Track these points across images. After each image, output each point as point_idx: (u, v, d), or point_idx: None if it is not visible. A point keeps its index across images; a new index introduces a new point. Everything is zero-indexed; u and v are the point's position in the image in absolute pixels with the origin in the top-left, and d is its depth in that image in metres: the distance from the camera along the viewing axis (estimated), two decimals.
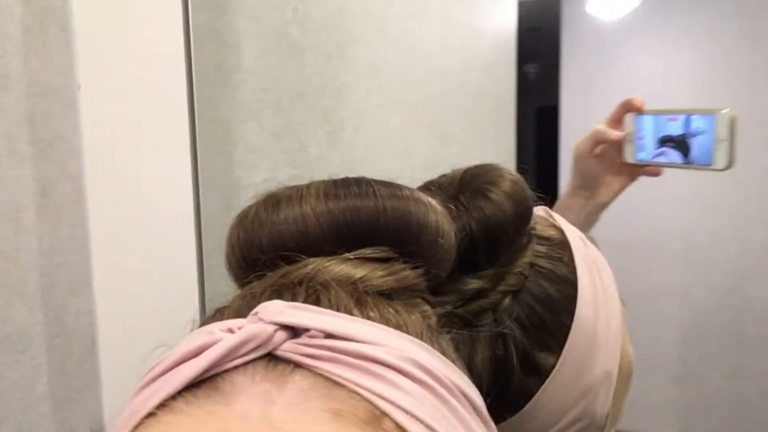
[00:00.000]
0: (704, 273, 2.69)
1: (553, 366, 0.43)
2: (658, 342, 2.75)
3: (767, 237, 2.56)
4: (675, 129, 0.70)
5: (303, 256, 0.30)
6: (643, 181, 0.79)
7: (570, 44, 2.75)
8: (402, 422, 0.23)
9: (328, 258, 0.30)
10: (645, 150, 0.73)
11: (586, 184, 0.77)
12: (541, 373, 0.43)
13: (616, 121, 0.76)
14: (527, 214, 0.44)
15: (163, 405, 0.23)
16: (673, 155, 0.71)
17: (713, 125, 0.66)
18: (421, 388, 0.25)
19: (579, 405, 0.44)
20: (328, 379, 0.23)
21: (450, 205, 0.41)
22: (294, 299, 0.27)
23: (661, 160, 0.72)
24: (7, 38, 0.70)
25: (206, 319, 0.30)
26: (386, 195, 0.31)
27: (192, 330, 0.29)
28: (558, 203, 0.80)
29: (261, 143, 0.92)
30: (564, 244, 0.46)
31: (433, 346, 0.28)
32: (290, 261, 0.30)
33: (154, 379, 0.25)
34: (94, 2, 0.75)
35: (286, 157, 0.96)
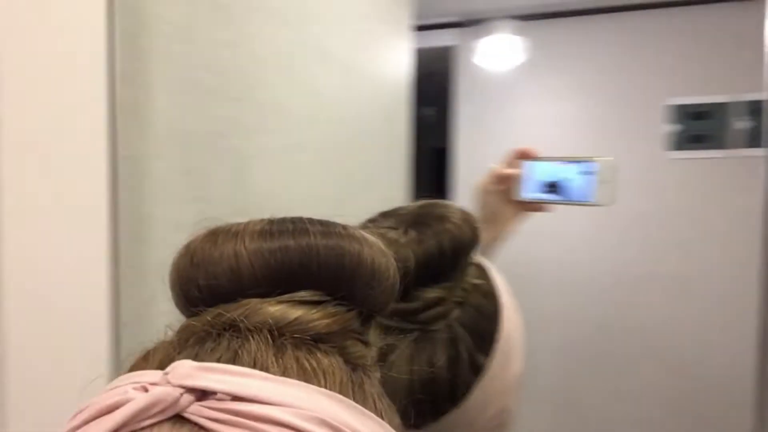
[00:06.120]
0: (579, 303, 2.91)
1: (486, 366, 0.53)
2: (541, 368, 2.93)
3: (636, 272, 2.81)
4: (561, 172, 0.81)
5: (237, 297, 0.30)
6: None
7: (463, 90, 2.95)
8: None
9: (263, 299, 0.30)
10: (534, 190, 0.84)
11: (486, 218, 0.87)
12: (478, 372, 0.52)
13: (510, 164, 0.87)
14: (478, 239, 0.56)
15: None
16: (561, 194, 0.82)
17: (597, 169, 0.77)
18: None
19: (501, 401, 0.54)
20: None
21: (413, 230, 0.51)
22: (215, 351, 0.28)
23: (549, 197, 0.83)
24: None
25: (135, 362, 0.30)
26: (320, 233, 0.31)
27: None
28: None
29: (168, 179, 0.97)
30: (484, 269, 0.57)
31: (353, 393, 0.29)
32: (226, 299, 0.30)
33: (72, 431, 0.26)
34: (16, 47, 0.78)
35: (193, 193, 1.01)
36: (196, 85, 1.03)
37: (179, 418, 0.25)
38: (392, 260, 0.35)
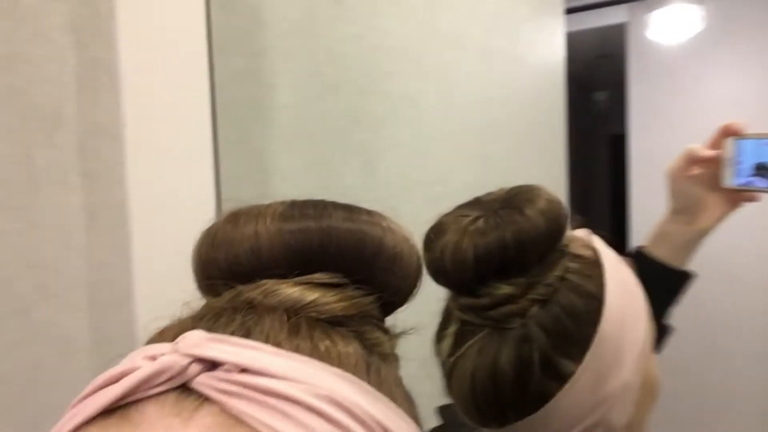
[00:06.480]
0: None
1: (573, 373, 0.46)
2: (741, 373, 2.58)
3: None
4: None
5: (256, 278, 0.30)
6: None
7: (637, 70, 2.70)
8: None
9: (281, 280, 0.29)
10: (742, 174, 0.71)
11: (684, 208, 0.76)
12: (561, 379, 0.46)
13: (715, 145, 0.73)
14: (559, 232, 0.49)
15: (78, 429, 0.24)
16: None
17: None
18: (333, 427, 0.24)
19: (596, 412, 0.47)
20: (233, 415, 0.23)
21: (482, 220, 0.47)
22: (228, 326, 0.27)
23: (761, 184, 0.70)
24: (63, 83, 0.82)
25: (151, 337, 0.30)
26: (341, 218, 0.30)
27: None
28: (655, 230, 0.79)
29: (294, 173, 1.00)
30: (596, 264, 0.50)
31: (368, 377, 0.28)
32: (246, 280, 0.30)
33: (80, 401, 0.25)
34: (137, 53, 0.86)
35: (321, 186, 1.03)
36: (321, 80, 1.05)
37: (185, 388, 0.24)
38: (416, 249, 0.34)
